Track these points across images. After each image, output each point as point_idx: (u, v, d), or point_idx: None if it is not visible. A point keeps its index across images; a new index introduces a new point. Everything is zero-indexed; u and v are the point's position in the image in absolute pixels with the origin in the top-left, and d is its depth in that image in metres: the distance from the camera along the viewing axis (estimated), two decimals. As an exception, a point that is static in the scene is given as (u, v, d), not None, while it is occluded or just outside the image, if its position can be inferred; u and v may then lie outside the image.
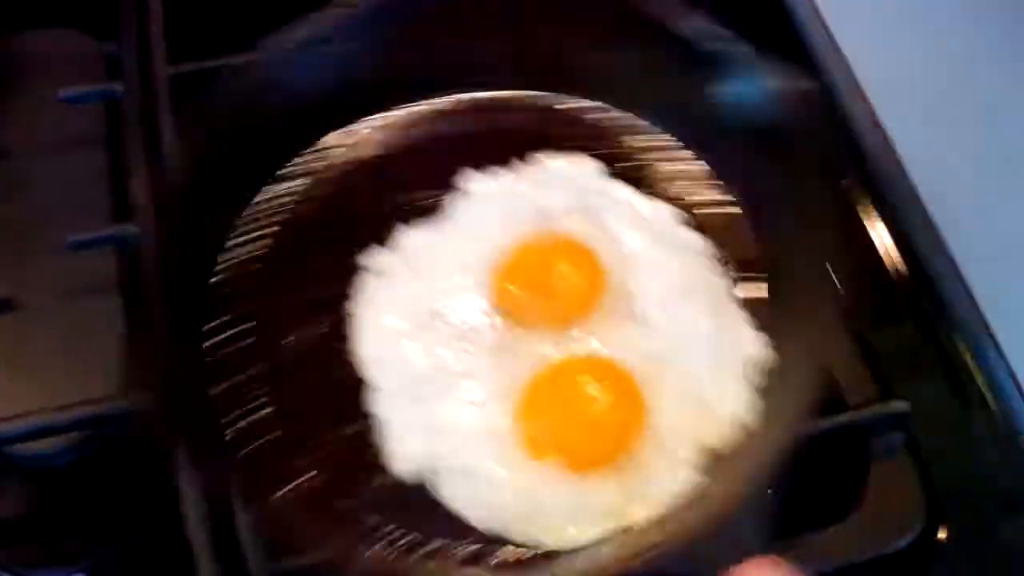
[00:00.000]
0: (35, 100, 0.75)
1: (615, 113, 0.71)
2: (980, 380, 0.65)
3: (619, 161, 0.70)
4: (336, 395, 0.60)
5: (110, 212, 0.69)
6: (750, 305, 0.64)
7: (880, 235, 0.70)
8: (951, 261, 0.68)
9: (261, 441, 0.58)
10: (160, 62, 0.72)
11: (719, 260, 0.66)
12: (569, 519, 0.57)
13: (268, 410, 0.59)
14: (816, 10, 0.78)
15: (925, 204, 0.70)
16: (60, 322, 0.65)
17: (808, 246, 0.63)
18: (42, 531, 0.60)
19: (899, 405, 0.64)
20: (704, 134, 0.69)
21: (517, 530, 0.57)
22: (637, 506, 0.57)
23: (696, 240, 0.67)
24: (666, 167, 0.70)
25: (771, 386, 0.61)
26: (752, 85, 0.65)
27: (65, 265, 0.66)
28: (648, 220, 0.67)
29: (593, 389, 0.59)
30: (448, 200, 0.67)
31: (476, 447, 0.58)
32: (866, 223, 0.70)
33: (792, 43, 0.77)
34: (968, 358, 0.66)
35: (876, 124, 0.73)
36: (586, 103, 0.71)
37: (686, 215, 0.67)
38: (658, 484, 0.58)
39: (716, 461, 0.59)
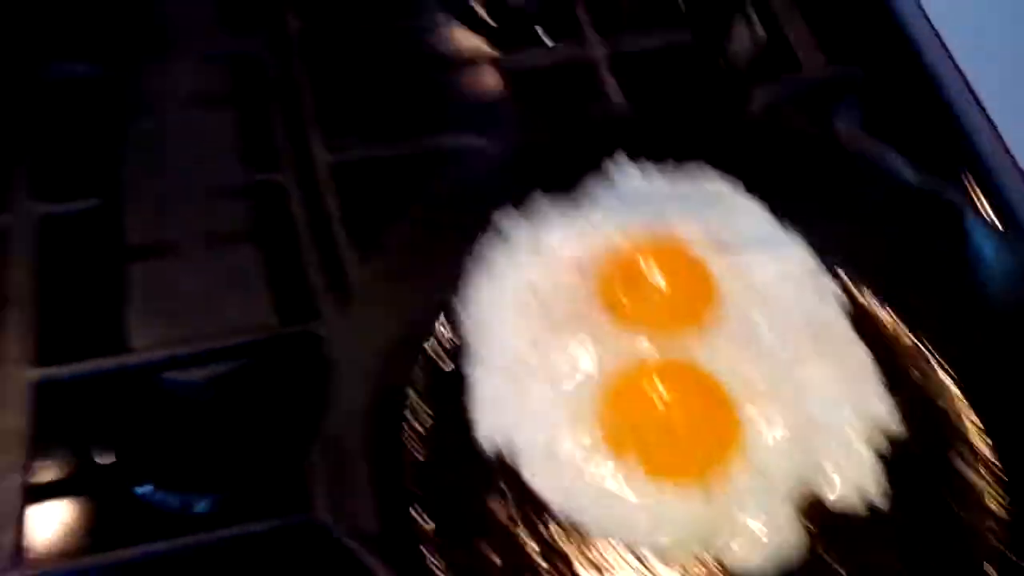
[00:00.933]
0: (173, 58, 0.78)
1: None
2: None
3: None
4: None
5: (247, 164, 0.73)
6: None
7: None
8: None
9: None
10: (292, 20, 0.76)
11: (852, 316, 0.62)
12: (648, 518, 0.55)
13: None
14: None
15: None
16: (205, 266, 0.68)
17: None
18: (187, 458, 0.63)
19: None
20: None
21: (593, 517, 0.55)
22: (726, 528, 0.54)
23: (831, 287, 0.63)
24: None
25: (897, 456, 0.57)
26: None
27: (209, 213, 0.69)
28: (785, 255, 0.64)
29: (682, 394, 0.57)
30: (591, 182, 0.65)
31: (559, 432, 0.57)
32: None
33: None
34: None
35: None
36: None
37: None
38: (752, 515, 0.55)
39: (824, 514, 0.55)
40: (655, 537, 0.54)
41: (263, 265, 0.68)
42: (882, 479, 0.57)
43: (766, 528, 0.55)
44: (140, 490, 0.61)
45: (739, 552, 0.54)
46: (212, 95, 0.75)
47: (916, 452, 0.58)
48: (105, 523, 0.61)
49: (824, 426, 0.58)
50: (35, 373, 0.60)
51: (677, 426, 0.57)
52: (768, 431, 0.57)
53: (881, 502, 0.56)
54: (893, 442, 0.58)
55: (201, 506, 0.60)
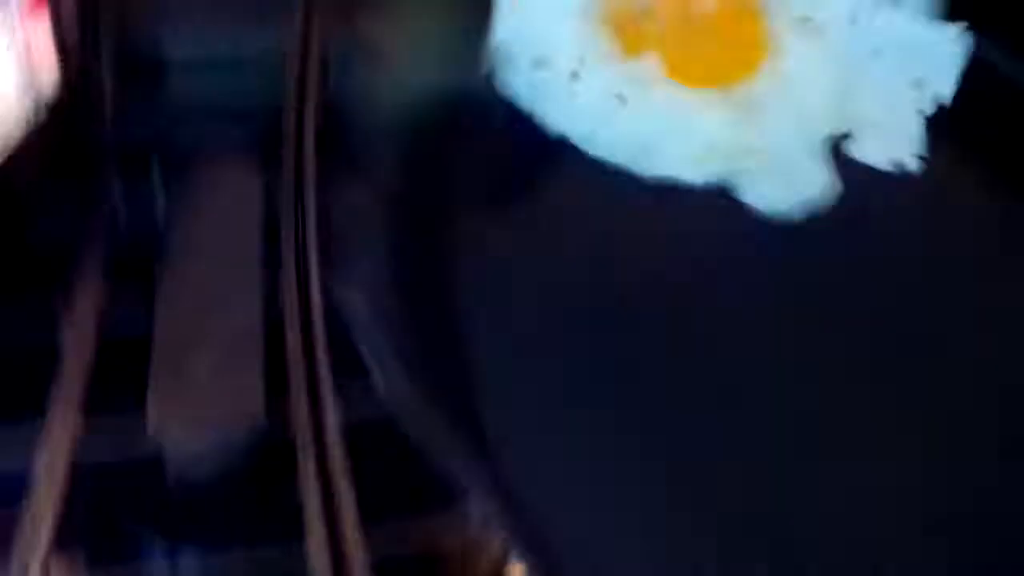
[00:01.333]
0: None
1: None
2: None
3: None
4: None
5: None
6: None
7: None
8: None
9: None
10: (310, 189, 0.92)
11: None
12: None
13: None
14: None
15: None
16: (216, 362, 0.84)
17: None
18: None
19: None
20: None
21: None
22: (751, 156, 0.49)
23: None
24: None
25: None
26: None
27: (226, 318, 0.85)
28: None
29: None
30: None
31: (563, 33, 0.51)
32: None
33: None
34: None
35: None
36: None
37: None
38: (779, 146, 0.49)
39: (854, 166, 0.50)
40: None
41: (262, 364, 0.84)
42: (921, 147, 0.52)
43: (792, 163, 0.49)
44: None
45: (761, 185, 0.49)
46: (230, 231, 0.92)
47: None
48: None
49: (874, 79, 0.52)
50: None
51: (701, 28, 0.51)
52: (808, 65, 0.51)
53: (915, 167, 0.51)
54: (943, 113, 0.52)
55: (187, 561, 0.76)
